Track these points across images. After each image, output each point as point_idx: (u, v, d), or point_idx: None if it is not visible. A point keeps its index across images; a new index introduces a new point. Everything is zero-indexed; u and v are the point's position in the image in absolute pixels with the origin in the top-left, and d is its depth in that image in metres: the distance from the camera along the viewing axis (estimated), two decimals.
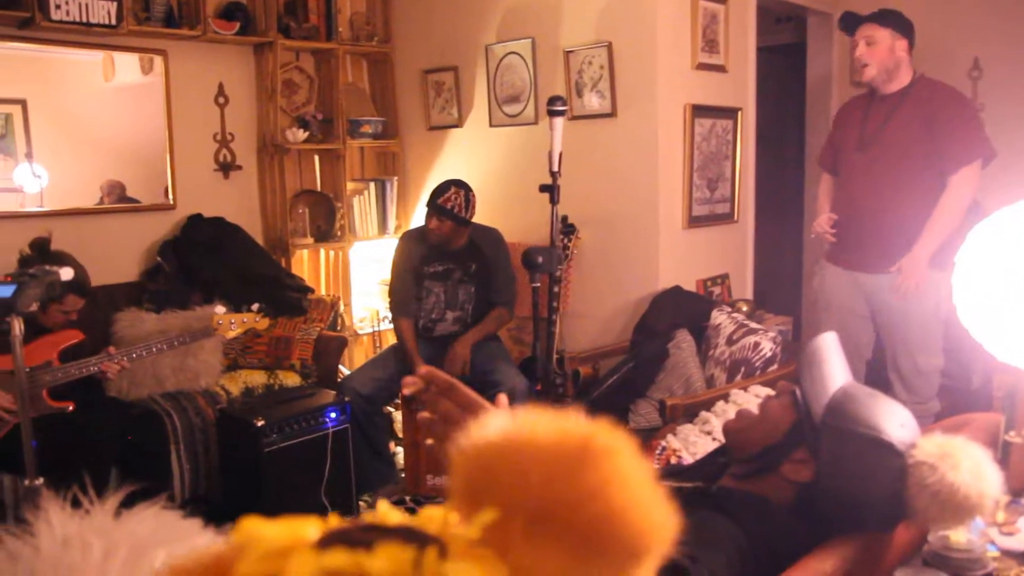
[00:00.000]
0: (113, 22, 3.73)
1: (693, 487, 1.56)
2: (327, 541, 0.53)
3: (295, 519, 0.57)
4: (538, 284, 2.62)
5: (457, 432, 0.87)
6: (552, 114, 2.53)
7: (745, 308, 3.93)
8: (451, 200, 3.62)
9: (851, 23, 3.33)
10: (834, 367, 1.52)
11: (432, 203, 3.65)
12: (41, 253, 3.06)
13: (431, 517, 0.57)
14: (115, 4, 3.72)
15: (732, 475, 1.55)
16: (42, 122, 3.98)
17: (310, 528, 0.55)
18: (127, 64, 4.11)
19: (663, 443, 2.47)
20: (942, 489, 1.31)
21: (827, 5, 4.59)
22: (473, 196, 3.70)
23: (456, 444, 0.56)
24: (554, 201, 2.60)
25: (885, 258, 3.24)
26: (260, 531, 0.51)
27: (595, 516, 0.50)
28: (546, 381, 2.72)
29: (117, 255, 4.06)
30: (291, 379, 3.89)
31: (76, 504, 0.85)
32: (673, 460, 2.30)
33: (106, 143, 4.18)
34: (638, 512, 0.51)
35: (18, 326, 1.74)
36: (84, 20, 3.66)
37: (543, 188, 2.61)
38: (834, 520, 1.44)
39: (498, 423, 0.56)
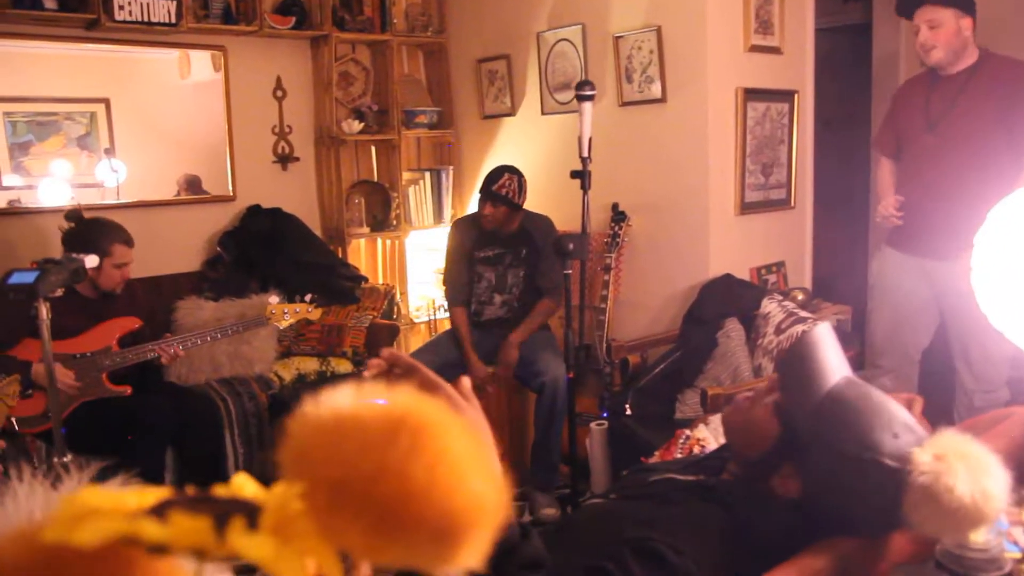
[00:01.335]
0: (173, 20, 3.85)
1: (695, 480, 1.53)
2: (152, 510, 0.54)
3: (137, 488, 0.58)
4: (569, 271, 2.60)
5: None
6: (581, 99, 2.51)
7: (801, 296, 3.82)
8: (505, 186, 3.63)
9: (910, 6, 3.18)
10: (824, 365, 1.37)
11: (486, 189, 3.67)
12: (77, 221, 3.20)
13: (242, 487, 0.57)
14: (175, 3, 3.84)
15: (731, 472, 1.50)
16: (124, 119, 4.17)
17: (145, 497, 0.56)
18: (201, 61, 4.25)
19: (687, 432, 2.43)
20: (939, 505, 1.21)
21: None
22: (525, 181, 3.72)
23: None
24: (585, 187, 2.57)
25: (956, 242, 3.08)
26: (86, 497, 0.52)
27: (392, 493, 0.49)
28: (578, 368, 2.70)
29: (181, 245, 4.21)
30: (343, 366, 3.97)
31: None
32: (696, 450, 2.26)
33: (180, 138, 4.36)
34: (443, 491, 0.50)
35: (44, 310, 1.82)
36: (146, 19, 3.79)
37: (574, 174, 2.59)
38: (827, 525, 1.37)
39: (335, 398, 0.56)
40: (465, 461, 0.53)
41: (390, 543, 0.49)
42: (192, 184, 4.36)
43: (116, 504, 0.53)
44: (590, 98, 2.54)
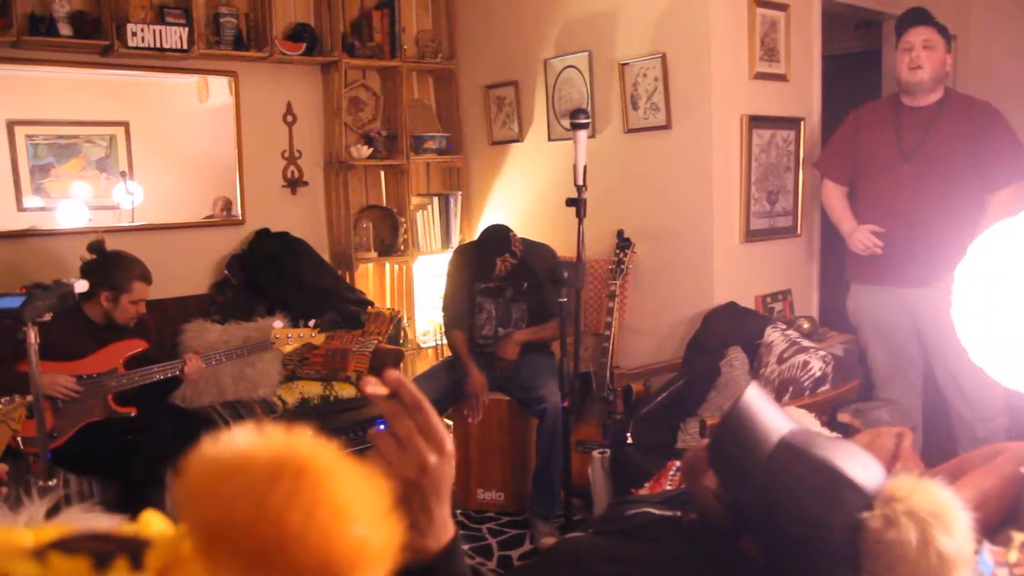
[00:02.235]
0: (185, 47, 3.92)
1: (671, 516, 1.51)
2: (41, 550, 0.54)
3: (34, 527, 0.58)
4: (564, 299, 2.59)
5: (405, 458, 0.85)
6: (575, 127, 2.51)
7: (806, 325, 3.79)
8: (501, 271, 3.66)
9: (917, 20, 3.28)
10: (755, 439, 1.28)
11: (487, 275, 3.70)
12: (99, 253, 3.24)
13: (150, 524, 0.57)
14: (187, 29, 3.91)
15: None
16: (142, 143, 4.23)
17: (43, 534, 0.56)
18: (219, 85, 4.31)
19: (678, 463, 2.40)
20: (894, 550, 1.14)
21: (903, 9, 4.37)
22: (513, 240, 3.68)
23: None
24: (580, 216, 2.56)
25: (935, 269, 3.08)
26: None
27: (268, 537, 0.49)
28: (573, 396, 2.68)
29: (190, 269, 4.25)
30: (347, 391, 3.97)
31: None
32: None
33: (197, 161, 4.41)
34: (321, 536, 0.50)
35: (32, 335, 1.84)
36: (158, 46, 3.85)
37: (570, 202, 2.58)
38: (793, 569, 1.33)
39: (232, 438, 0.56)
40: (349, 506, 0.53)
41: None
42: (227, 206, 4.42)
43: (7, 544, 0.53)
44: (585, 126, 2.55)
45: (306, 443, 0.55)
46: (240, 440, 0.55)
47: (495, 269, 3.63)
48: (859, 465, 1.25)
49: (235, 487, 0.51)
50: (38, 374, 1.90)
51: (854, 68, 5.47)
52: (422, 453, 0.85)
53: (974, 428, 3.21)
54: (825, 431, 2.38)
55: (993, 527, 1.69)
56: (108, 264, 3.23)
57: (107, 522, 0.86)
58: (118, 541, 0.53)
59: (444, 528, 0.90)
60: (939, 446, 3.46)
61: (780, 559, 1.28)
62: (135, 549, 0.53)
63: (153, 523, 0.60)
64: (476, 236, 4.60)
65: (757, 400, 1.34)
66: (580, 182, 2.57)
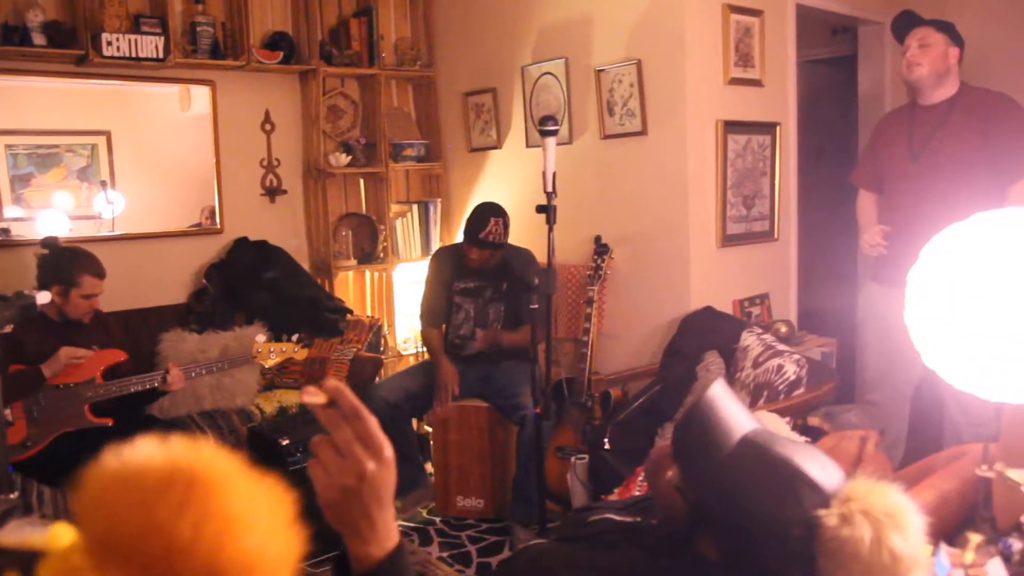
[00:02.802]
0: (161, 56, 3.91)
1: (631, 522, 1.51)
2: None
3: None
4: (536, 306, 2.60)
5: (344, 465, 0.85)
6: (544, 134, 2.51)
7: (784, 329, 3.80)
8: (492, 232, 3.63)
9: (908, 23, 3.29)
10: (715, 436, 1.30)
11: (473, 238, 3.65)
12: (52, 249, 3.25)
13: (58, 536, 0.57)
14: (162, 38, 3.90)
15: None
16: (124, 152, 4.21)
17: None
18: (201, 94, 4.30)
19: None
20: (846, 549, 1.15)
21: (878, 15, 4.42)
22: (508, 219, 3.71)
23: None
24: (550, 222, 2.57)
25: None
26: None
27: (156, 548, 0.49)
28: (545, 403, 2.69)
29: (169, 278, 4.24)
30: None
31: None
32: None
33: (178, 170, 4.39)
34: (208, 548, 0.50)
35: None
36: (134, 55, 3.85)
37: (540, 209, 2.59)
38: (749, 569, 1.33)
39: (131, 450, 0.56)
40: (240, 518, 0.53)
41: None
42: (211, 215, 4.40)
43: None
44: (553, 133, 2.55)
45: (203, 455, 0.56)
46: (138, 452, 0.55)
47: (486, 227, 3.61)
48: (818, 465, 1.27)
49: (126, 499, 0.51)
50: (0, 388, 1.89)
51: (831, 73, 5.51)
52: (360, 460, 0.85)
53: (961, 433, 3.21)
54: (794, 434, 2.39)
55: (953, 529, 1.70)
56: (59, 259, 3.21)
57: (40, 534, 0.86)
58: (11, 555, 0.53)
59: (387, 535, 0.90)
60: (927, 451, 3.46)
61: (737, 557, 1.29)
62: (28, 562, 0.53)
63: (62, 535, 0.60)
64: (458, 240, 4.63)
65: (722, 396, 1.36)
66: (550, 189, 2.57)
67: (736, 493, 1.26)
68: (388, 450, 0.88)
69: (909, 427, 3.59)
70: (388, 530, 0.90)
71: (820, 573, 1.19)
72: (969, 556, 1.52)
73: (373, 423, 0.86)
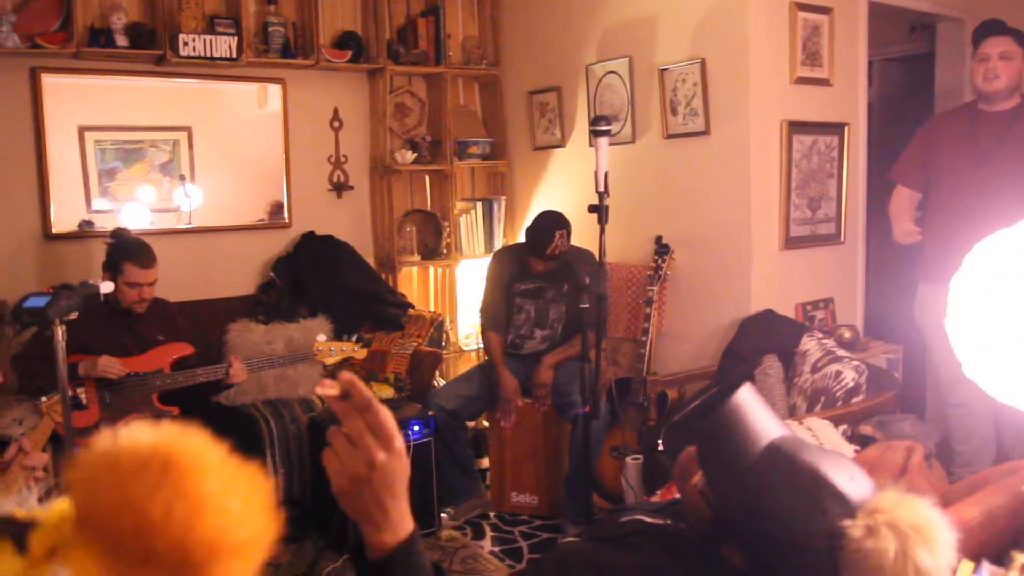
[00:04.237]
0: (234, 55, 4.04)
1: (661, 524, 1.51)
2: None
3: None
4: (586, 305, 2.60)
5: (355, 455, 0.90)
6: (596, 134, 2.52)
7: (848, 335, 3.72)
8: (558, 247, 3.64)
9: (989, 31, 3.32)
10: (742, 443, 1.28)
11: (541, 252, 3.66)
12: (117, 239, 3.37)
13: (55, 509, 0.61)
14: (235, 39, 4.03)
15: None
16: (203, 147, 4.37)
17: None
18: (276, 92, 4.42)
19: None
20: (870, 562, 1.13)
21: (958, 11, 4.27)
22: (570, 228, 3.71)
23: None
24: (602, 221, 2.56)
25: None
26: None
27: (128, 525, 0.53)
28: (594, 403, 2.69)
29: (239, 270, 4.38)
30: (385, 391, 4.04)
31: None
32: None
33: (253, 165, 4.53)
34: (179, 526, 0.54)
35: (60, 333, 1.93)
36: (208, 55, 3.99)
37: (592, 208, 2.59)
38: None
39: (122, 432, 0.60)
40: (212, 500, 0.56)
41: (131, 572, 0.53)
42: (276, 210, 4.53)
43: None
44: (606, 133, 2.55)
45: (184, 440, 0.59)
46: (127, 434, 0.59)
47: (552, 243, 3.62)
48: (846, 476, 1.25)
49: (106, 477, 0.55)
50: (65, 374, 1.99)
51: (909, 71, 5.34)
52: (371, 450, 0.89)
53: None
54: (843, 441, 2.35)
55: (1003, 547, 1.65)
56: (115, 251, 3.33)
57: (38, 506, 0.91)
58: (6, 524, 0.57)
59: (401, 523, 0.93)
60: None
61: (760, 564, 1.28)
62: (21, 533, 0.57)
63: (60, 508, 0.64)
64: (520, 238, 4.65)
65: (749, 401, 1.34)
66: (601, 188, 2.57)
67: (761, 500, 1.25)
68: (399, 440, 0.91)
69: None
70: (401, 519, 0.93)
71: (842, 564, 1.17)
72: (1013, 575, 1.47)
73: (385, 414, 0.90)
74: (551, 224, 3.68)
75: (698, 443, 1.37)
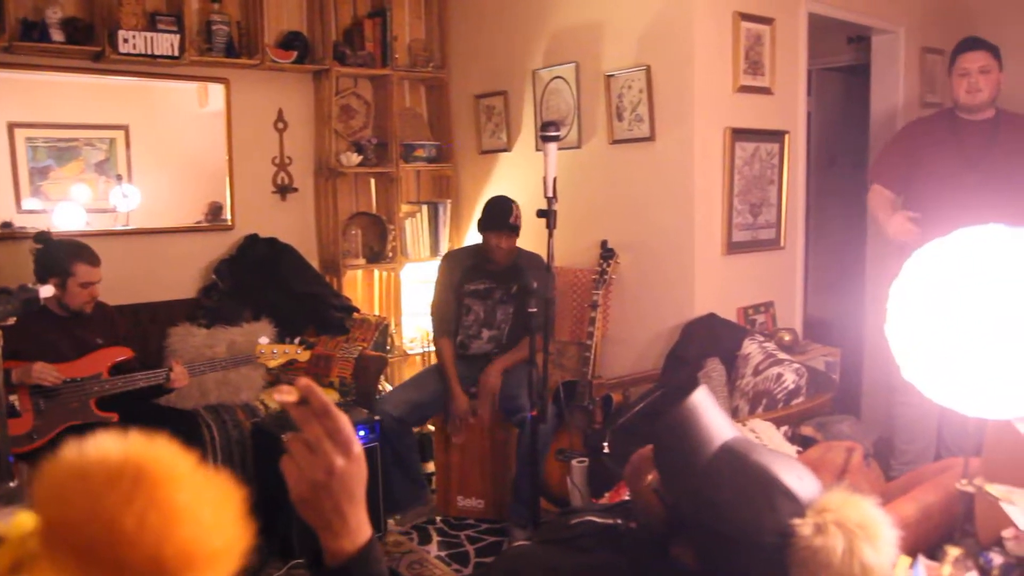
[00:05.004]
0: (176, 53, 3.96)
1: (611, 523, 1.53)
2: None
3: None
4: (534, 309, 2.62)
5: (314, 461, 0.89)
6: (545, 140, 2.53)
7: (788, 338, 3.80)
8: (517, 217, 3.70)
9: (968, 47, 3.49)
10: (696, 442, 1.32)
11: (503, 223, 3.69)
12: (45, 243, 3.28)
13: (19, 523, 0.59)
14: (178, 36, 3.95)
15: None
16: (141, 146, 4.25)
17: None
18: (218, 91, 4.34)
19: None
20: (819, 559, 1.18)
21: (893, 24, 4.41)
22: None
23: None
24: (551, 227, 2.58)
25: None
26: None
27: (100, 537, 0.52)
28: (542, 406, 2.71)
29: (180, 273, 4.29)
30: (330, 396, 3.98)
31: None
32: None
33: (192, 166, 4.43)
34: (152, 538, 0.53)
35: None
36: (149, 52, 3.90)
37: (540, 213, 2.60)
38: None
39: (89, 443, 0.59)
40: (185, 511, 0.55)
41: None
42: (215, 211, 4.45)
43: None
44: (555, 139, 2.57)
45: (155, 451, 0.58)
46: (96, 445, 0.57)
47: (512, 212, 3.67)
48: (795, 475, 1.28)
49: (77, 488, 0.54)
50: (0, 378, 1.93)
51: (845, 81, 5.50)
52: (330, 456, 0.88)
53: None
54: (786, 443, 2.40)
55: (937, 542, 1.71)
56: (52, 251, 3.25)
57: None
58: None
59: (359, 530, 0.93)
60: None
61: (711, 563, 1.31)
62: None
63: (24, 522, 0.63)
64: (470, 237, 4.66)
65: (704, 403, 1.38)
66: (550, 194, 2.59)
67: (713, 499, 1.28)
68: (357, 446, 0.91)
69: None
70: (359, 525, 0.93)
71: (789, 562, 1.20)
72: (947, 569, 1.52)
73: (343, 420, 0.90)
74: (505, 199, 3.75)
75: (653, 442, 1.39)
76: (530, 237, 3.92)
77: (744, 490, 1.26)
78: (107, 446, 0.57)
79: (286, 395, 0.90)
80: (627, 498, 1.91)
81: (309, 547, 0.98)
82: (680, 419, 1.35)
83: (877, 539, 1.19)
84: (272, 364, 3.53)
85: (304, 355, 3.52)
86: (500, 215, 3.70)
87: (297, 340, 3.54)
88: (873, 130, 4.59)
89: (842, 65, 5.29)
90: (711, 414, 1.37)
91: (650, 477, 1.41)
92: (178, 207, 4.43)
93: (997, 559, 1.60)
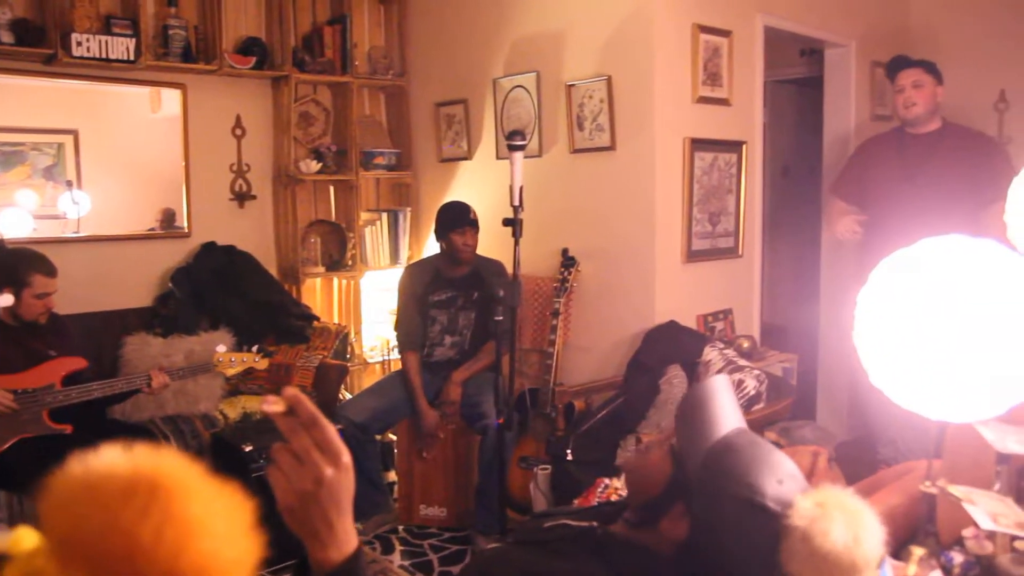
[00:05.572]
0: (132, 58, 3.89)
1: (587, 527, 1.54)
2: None
3: None
4: (500, 318, 2.62)
5: (302, 471, 0.88)
6: (512, 148, 2.54)
7: (746, 344, 3.86)
8: (474, 215, 3.77)
9: (900, 65, 3.74)
10: (718, 414, 1.42)
11: (464, 219, 3.73)
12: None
13: (21, 539, 0.58)
14: (133, 40, 3.89)
15: (624, 520, 1.52)
16: (91, 152, 4.16)
17: None
18: (172, 96, 4.27)
19: (606, 481, 2.44)
20: (814, 554, 1.24)
21: (845, 38, 4.52)
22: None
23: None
24: (516, 236, 2.59)
25: None
26: None
27: (117, 551, 0.51)
28: (508, 414, 2.71)
29: (134, 281, 4.21)
30: None
31: None
32: (614, 499, 2.27)
33: (145, 172, 4.34)
34: (169, 551, 0.52)
35: None
36: (104, 56, 3.83)
37: (506, 222, 2.62)
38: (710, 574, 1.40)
39: (97, 456, 0.58)
40: (200, 523, 0.55)
41: None
42: (168, 218, 4.36)
43: None
44: (521, 148, 2.58)
45: (165, 462, 0.58)
46: (104, 458, 0.57)
47: (469, 210, 3.73)
48: (775, 479, 1.35)
49: (90, 503, 0.53)
50: None
51: (799, 93, 5.62)
52: (319, 466, 0.88)
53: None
54: None
55: (899, 543, 1.75)
56: (7, 260, 3.17)
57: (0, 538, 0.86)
58: None
59: (346, 539, 0.93)
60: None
61: (701, 533, 1.38)
62: None
63: (24, 539, 0.62)
64: (428, 247, 4.66)
65: (721, 390, 1.46)
66: (517, 203, 2.60)
67: (724, 463, 1.36)
68: (346, 456, 0.91)
69: None
70: (347, 535, 0.93)
71: (782, 559, 1.28)
72: (912, 569, 1.56)
73: (331, 430, 0.89)
74: (457, 201, 3.83)
75: (678, 410, 1.48)
76: (493, 245, 3.93)
77: (754, 460, 1.36)
78: (115, 460, 0.56)
79: (273, 405, 0.90)
80: (601, 502, 1.93)
81: (279, 558, 0.98)
82: (707, 391, 1.45)
83: (869, 528, 1.26)
84: (230, 372, 3.47)
85: (262, 363, 3.48)
86: (460, 212, 3.75)
87: (255, 348, 3.49)
88: (827, 140, 4.70)
89: (795, 77, 5.41)
90: (729, 398, 1.47)
91: (671, 443, 1.49)
92: (130, 214, 4.34)
93: (958, 558, 1.65)
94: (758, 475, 1.33)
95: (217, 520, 0.56)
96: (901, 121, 3.80)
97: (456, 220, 3.74)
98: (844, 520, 1.24)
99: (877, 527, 1.27)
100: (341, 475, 0.90)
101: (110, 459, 0.56)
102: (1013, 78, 4.51)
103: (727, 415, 1.43)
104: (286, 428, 0.89)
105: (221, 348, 3.47)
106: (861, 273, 3.77)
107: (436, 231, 3.81)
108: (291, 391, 0.89)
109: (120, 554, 0.51)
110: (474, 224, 3.76)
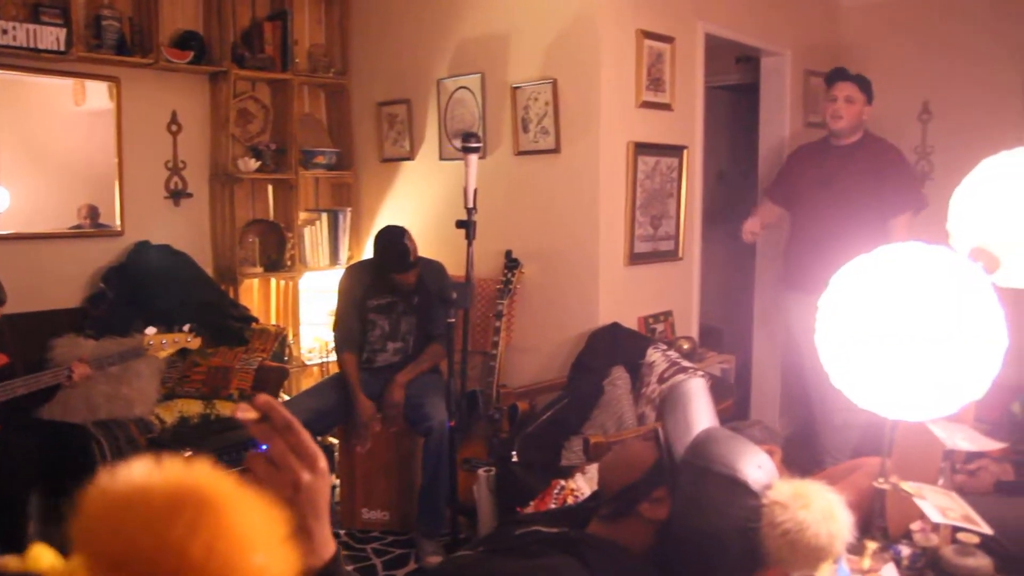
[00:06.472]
0: (62, 48, 3.76)
1: (559, 532, 1.55)
2: None
3: None
4: (453, 320, 2.61)
5: (278, 477, 0.86)
6: (467, 151, 2.54)
7: (687, 346, 3.93)
8: (413, 252, 3.61)
9: (838, 76, 3.91)
10: (699, 410, 1.56)
11: (404, 264, 3.60)
12: None
13: (39, 558, 0.56)
14: (64, 31, 3.75)
15: (599, 517, 1.54)
16: (9, 145, 3.97)
17: None
18: (97, 89, 4.12)
19: (562, 482, 2.46)
20: (792, 528, 1.34)
21: (780, 46, 4.64)
22: (409, 237, 3.68)
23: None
24: (470, 238, 2.59)
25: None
26: None
27: (169, 570, 0.49)
28: (460, 415, 2.70)
29: (61, 281, 4.05)
30: (229, 409, 3.86)
31: None
32: (570, 500, 2.28)
33: (70, 167, 4.17)
34: (220, 568, 0.51)
35: None
36: (32, 46, 3.68)
37: (460, 224, 2.61)
38: (688, 563, 1.44)
39: (129, 469, 0.56)
40: (248, 537, 0.53)
41: None
42: (93, 214, 4.20)
43: None
44: (476, 150, 2.59)
45: (204, 475, 0.56)
46: (138, 472, 0.55)
47: (409, 251, 3.57)
48: (755, 464, 1.48)
49: (136, 520, 0.51)
50: None
51: (735, 100, 5.75)
52: (295, 471, 0.86)
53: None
54: None
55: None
56: None
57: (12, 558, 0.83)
58: None
59: (325, 545, 0.91)
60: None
61: (681, 514, 1.47)
62: None
63: (42, 558, 0.59)
64: (369, 246, 4.58)
65: (701, 389, 1.58)
66: (471, 205, 2.60)
67: (707, 446, 1.49)
68: (323, 461, 0.90)
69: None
70: (325, 540, 0.91)
71: (759, 539, 1.37)
72: (866, 562, 1.62)
73: (306, 435, 0.88)
74: (393, 235, 3.64)
75: (660, 404, 1.55)
76: (436, 245, 3.92)
77: (735, 445, 1.49)
78: (150, 474, 0.54)
79: (245, 413, 0.88)
80: (563, 506, 1.94)
81: None
82: (694, 387, 1.58)
83: (839, 516, 1.40)
84: (163, 354, 3.36)
85: (195, 342, 3.38)
86: (398, 259, 3.61)
87: (187, 327, 3.39)
88: (762, 146, 4.82)
89: (730, 84, 5.53)
90: (708, 398, 1.58)
91: (649, 434, 1.61)
92: (55, 211, 4.16)
93: (905, 550, 1.71)
94: (739, 459, 1.44)
95: (261, 533, 0.54)
96: (829, 130, 3.97)
97: (393, 266, 3.64)
98: (818, 505, 1.35)
99: (846, 513, 1.40)
100: (318, 480, 0.89)
101: (144, 473, 0.54)
102: (936, 90, 4.70)
103: (708, 411, 1.55)
104: (261, 435, 0.87)
105: (151, 330, 3.35)
106: (790, 275, 4.00)
107: (375, 263, 3.74)
108: (263, 398, 0.88)
109: (169, 572, 0.49)
110: (414, 265, 3.64)
